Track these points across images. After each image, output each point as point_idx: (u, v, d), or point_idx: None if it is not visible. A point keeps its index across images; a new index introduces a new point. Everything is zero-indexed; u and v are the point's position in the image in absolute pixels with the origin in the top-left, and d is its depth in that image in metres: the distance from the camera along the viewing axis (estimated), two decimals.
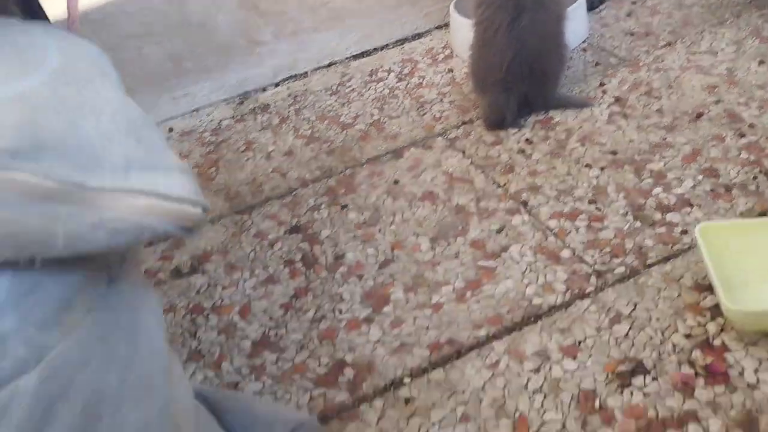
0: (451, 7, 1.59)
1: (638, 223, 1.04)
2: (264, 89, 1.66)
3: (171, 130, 1.54)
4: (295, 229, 1.18)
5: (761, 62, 1.35)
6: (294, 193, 1.27)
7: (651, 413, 0.79)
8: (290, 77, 1.68)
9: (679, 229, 1.02)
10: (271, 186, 1.31)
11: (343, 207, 1.20)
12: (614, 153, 1.19)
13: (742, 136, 1.16)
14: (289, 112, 1.54)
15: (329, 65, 1.70)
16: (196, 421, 0.58)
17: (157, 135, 0.48)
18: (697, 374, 0.81)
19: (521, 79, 1.26)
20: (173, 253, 1.18)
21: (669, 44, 1.48)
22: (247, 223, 1.22)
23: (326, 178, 1.29)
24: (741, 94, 1.27)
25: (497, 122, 1.31)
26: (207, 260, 1.15)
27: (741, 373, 0.81)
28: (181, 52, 1.56)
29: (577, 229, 1.05)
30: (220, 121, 1.56)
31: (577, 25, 1.44)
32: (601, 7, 1.68)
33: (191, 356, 0.99)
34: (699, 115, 1.23)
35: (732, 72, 1.34)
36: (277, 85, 1.67)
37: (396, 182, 1.24)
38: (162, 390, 0.49)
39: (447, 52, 1.66)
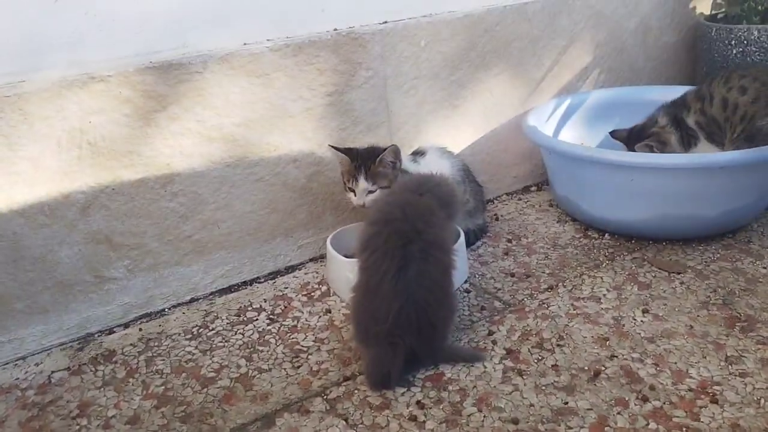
0: (328, 243, 1.47)
1: None
2: (110, 331, 1.42)
3: None
4: None
5: (645, 311, 1.31)
6: None
7: None
8: (144, 316, 1.46)
9: None
10: None
11: None
12: (515, 422, 1.04)
13: (646, 400, 1.05)
14: (138, 361, 1.29)
15: (191, 301, 1.50)
16: None
17: None
18: None
19: (408, 331, 1.12)
20: None
21: (551, 288, 1.43)
22: None
23: None
24: (633, 348, 1.20)
25: (382, 380, 1.14)
26: None
27: None
28: (11, 290, 1.31)
29: None
30: (52, 373, 1.29)
31: (458, 264, 1.35)
32: (477, 243, 1.64)
33: None
34: (597, 374, 1.13)
35: (619, 322, 1.29)
36: (126, 326, 1.44)
37: None
38: None
39: (323, 288, 1.52)
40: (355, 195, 1.44)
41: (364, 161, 1.43)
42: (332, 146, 1.47)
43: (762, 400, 1.06)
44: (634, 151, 1.67)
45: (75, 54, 1.29)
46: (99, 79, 1.29)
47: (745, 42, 1.87)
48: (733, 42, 1.90)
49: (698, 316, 1.29)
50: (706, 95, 1.58)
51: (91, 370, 1.29)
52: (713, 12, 2.15)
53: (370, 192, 1.43)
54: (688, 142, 1.63)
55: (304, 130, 1.53)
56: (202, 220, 1.47)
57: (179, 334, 1.39)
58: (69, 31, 1.28)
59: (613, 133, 1.76)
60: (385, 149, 1.43)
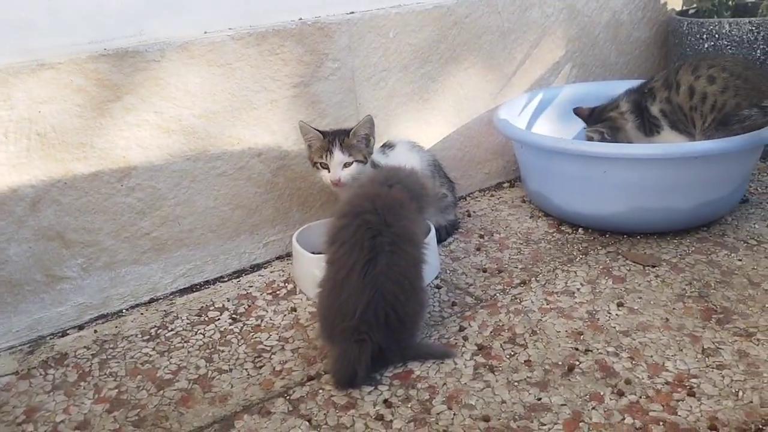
0: (294, 238, 1.42)
1: None
2: (63, 333, 1.34)
3: None
4: None
5: (620, 304, 1.27)
6: None
7: None
8: (99, 317, 1.38)
9: None
10: None
11: None
12: (486, 419, 0.99)
13: (621, 394, 1.01)
14: (91, 364, 1.22)
15: (149, 302, 1.43)
16: None
17: None
18: None
19: (376, 327, 1.07)
20: None
21: (524, 283, 1.39)
22: None
23: None
24: (608, 342, 1.16)
25: (348, 379, 1.09)
26: None
27: None
28: None
29: None
30: None
31: (429, 258, 1.31)
32: (449, 240, 1.60)
33: None
34: (571, 368, 1.08)
35: (594, 316, 1.24)
36: (80, 327, 1.36)
37: None
38: None
39: (289, 286, 1.46)
40: (329, 171, 1.38)
41: (337, 135, 1.38)
42: (303, 122, 1.41)
43: (740, 392, 1.02)
44: None
45: (23, 40, 1.23)
46: (49, 66, 1.22)
47: (717, 36, 1.86)
48: (704, 36, 1.89)
49: (674, 308, 1.26)
50: (672, 83, 1.55)
51: (41, 374, 1.21)
52: (684, 7, 2.15)
53: (346, 165, 1.37)
54: (650, 130, 1.61)
55: (268, 123, 1.48)
56: (161, 216, 1.40)
57: (136, 335, 1.32)
58: (17, 16, 1.22)
59: (576, 110, 1.74)
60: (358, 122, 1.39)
